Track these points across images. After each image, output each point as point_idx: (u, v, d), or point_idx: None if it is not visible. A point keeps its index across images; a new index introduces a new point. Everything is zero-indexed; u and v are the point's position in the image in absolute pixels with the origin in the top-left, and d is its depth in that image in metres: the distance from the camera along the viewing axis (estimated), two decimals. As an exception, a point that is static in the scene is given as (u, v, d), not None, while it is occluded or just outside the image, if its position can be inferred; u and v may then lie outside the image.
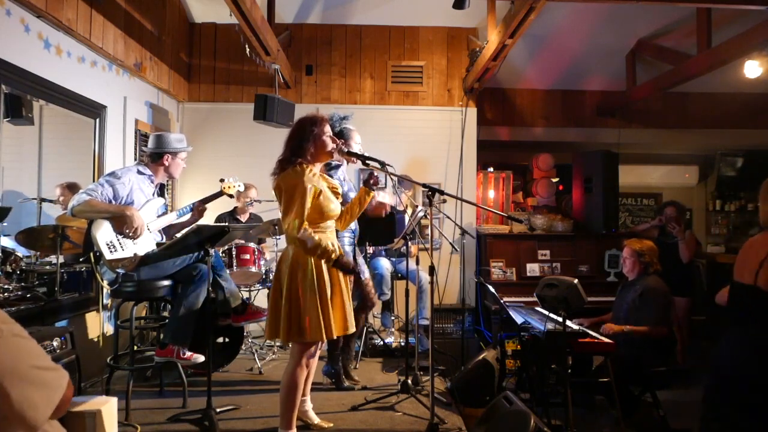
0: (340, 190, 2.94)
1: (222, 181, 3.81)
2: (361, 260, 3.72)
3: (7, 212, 3.34)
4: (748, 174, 7.59)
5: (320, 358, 3.40)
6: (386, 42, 6.01)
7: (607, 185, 5.50)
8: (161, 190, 3.63)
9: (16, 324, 1.42)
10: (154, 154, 3.52)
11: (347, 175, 3.74)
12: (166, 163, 3.52)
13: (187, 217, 3.66)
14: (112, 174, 3.35)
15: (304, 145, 2.71)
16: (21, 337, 1.41)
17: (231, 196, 3.86)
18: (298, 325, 2.63)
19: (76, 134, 4.17)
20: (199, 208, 3.67)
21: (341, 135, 3.56)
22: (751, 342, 2.17)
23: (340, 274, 2.79)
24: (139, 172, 3.45)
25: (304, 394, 2.98)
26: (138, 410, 3.27)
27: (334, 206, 2.77)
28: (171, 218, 3.58)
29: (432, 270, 3.17)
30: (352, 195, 3.62)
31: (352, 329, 2.87)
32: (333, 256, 2.64)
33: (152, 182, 3.52)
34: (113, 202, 3.26)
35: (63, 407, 1.45)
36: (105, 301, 4.16)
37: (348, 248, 3.69)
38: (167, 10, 5.24)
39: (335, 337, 2.80)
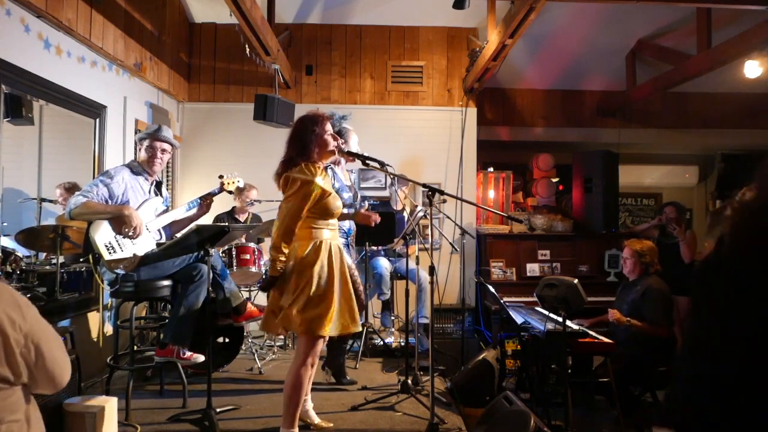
0: (337, 186, 2.97)
1: (221, 177, 3.79)
2: (350, 260, 3.73)
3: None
4: (748, 174, 7.58)
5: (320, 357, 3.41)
6: (386, 42, 6.01)
7: (607, 185, 5.50)
8: (159, 188, 3.60)
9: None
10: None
11: (341, 175, 3.76)
12: (141, 154, 3.46)
13: (194, 211, 3.62)
14: (106, 174, 3.34)
15: (309, 145, 2.72)
16: (30, 307, 1.57)
17: (230, 192, 3.85)
18: (309, 318, 2.62)
19: (76, 134, 4.17)
20: (206, 202, 3.64)
21: (339, 135, 3.57)
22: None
23: (345, 272, 2.80)
24: (133, 170, 3.42)
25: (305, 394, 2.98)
26: (138, 410, 3.26)
27: (339, 204, 2.82)
28: (171, 217, 3.56)
29: (432, 270, 3.17)
30: (345, 195, 3.64)
31: (358, 328, 2.85)
32: (275, 271, 2.65)
33: (147, 179, 3.47)
34: (109, 201, 3.24)
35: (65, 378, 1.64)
36: (105, 301, 4.16)
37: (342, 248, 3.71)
38: (167, 10, 5.24)
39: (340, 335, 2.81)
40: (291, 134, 2.80)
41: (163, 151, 3.47)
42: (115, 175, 3.31)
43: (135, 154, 4.68)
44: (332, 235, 2.80)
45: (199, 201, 3.61)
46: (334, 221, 2.82)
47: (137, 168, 3.45)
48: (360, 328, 2.90)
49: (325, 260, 2.69)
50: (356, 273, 3.84)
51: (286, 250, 2.63)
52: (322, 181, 2.70)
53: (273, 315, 2.72)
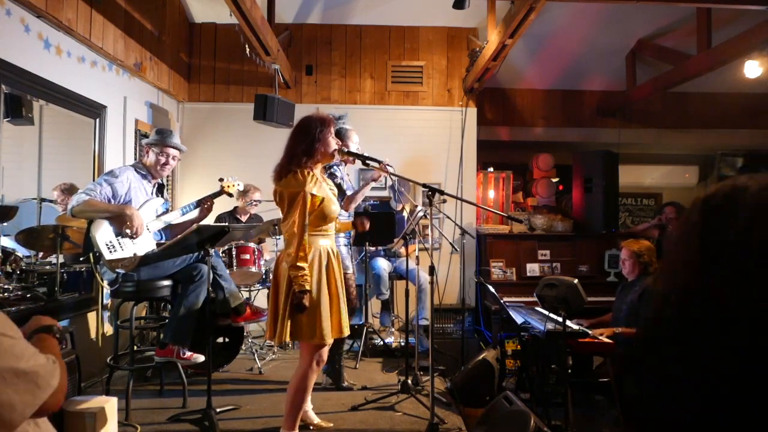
0: (343, 186, 2.97)
1: (221, 180, 3.80)
2: (347, 259, 3.74)
3: (13, 211, 3.35)
4: (748, 174, 7.57)
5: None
6: (386, 42, 6.01)
7: (607, 185, 5.50)
8: (160, 190, 3.61)
9: (2, 321, 1.36)
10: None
11: (344, 174, 3.76)
12: (149, 158, 3.48)
13: (195, 214, 3.62)
14: (110, 173, 3.35)
15: (315, 145, 2.73)
16: (3, 336, 1.34)
17: (230, 195, 3.86)
18: (310, 326, 2.64)
19: (76, 134, 4.17)
20: (206, 205, 3.64)
21: (338, 135, 3.58)
22: None
23: (338, 277, 2.80)
24: (137, 171, 3.44)
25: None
26: (138, 410, 3.27)
27: (335, 208, 2.81)
28: (171, 217, 3.57)
29: (432, 270, 3.17)
30: (350, 194, 3.65)
31: (347, 332, 2.88)
32: (302, 287, 2.59)
33: (150, 181, 3.49)
34: (112, 201, 3.25)
35: (52, 405, 1.42)
36: (105, 301, 4.16)
37: (343, 249, 3.71)
38: (167, 10, 5.24)
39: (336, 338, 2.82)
40: (296, 132, 2.80)
41: (174, 157, 3.53)
42: (120, 174, 3.33)
43: (136, 155, 4.69)
44: (328, 241, 2.81)
45: (193, 205, 3.61)
46: (332, 226, 2.83)
47: (142, 170, 3.46)
48: (348, 332, 2.89)
49: (321, 269, 2.71)
50: (352, 277, 3.86)
51: (305, 264, 2.60)
52: (315, 189, 2.69)
53: (274, 324, 2.72)
